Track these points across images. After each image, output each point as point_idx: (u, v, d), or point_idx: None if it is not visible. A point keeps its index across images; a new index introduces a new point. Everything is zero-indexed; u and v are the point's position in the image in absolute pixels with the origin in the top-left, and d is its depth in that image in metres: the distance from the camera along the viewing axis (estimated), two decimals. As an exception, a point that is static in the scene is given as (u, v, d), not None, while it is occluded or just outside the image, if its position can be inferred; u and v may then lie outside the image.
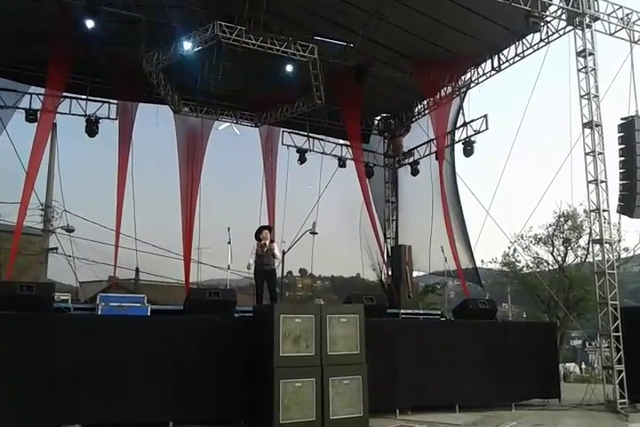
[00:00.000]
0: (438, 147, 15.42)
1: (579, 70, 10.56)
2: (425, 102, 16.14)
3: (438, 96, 15.16)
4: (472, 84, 14.62)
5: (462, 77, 14.70)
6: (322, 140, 16.29)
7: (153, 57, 11.61)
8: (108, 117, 13.73)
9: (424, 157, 16.33)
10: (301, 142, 15.92)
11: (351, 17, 12.38)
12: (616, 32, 11.36)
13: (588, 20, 10.74)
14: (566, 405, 9.29)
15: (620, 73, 11.01)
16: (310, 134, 16.02)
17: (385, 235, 16.91)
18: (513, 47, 13.25)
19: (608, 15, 11.23)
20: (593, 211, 10.17)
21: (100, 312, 8.09)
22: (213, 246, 13.11)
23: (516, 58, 13.29)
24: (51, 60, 11.84)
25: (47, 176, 14.60)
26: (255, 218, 13.97)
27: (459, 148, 15.18)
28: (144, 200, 13.43)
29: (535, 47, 12.73)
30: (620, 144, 10.50)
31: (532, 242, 22.42)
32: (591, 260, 11.75)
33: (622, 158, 10.41)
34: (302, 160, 15.76)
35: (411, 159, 16.76)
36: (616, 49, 11.69)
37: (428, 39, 12.96)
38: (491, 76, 14.12)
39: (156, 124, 13.82)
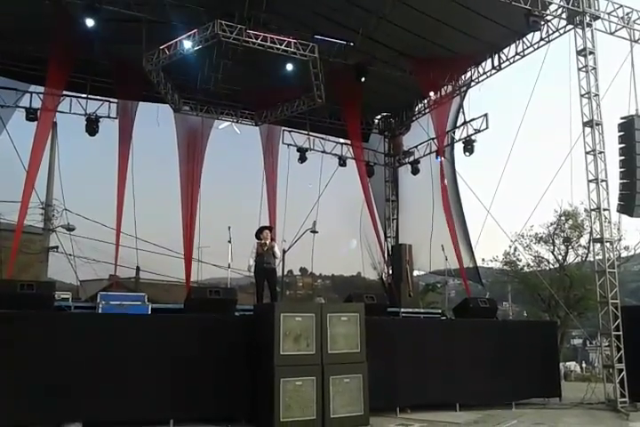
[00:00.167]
0: (439, 146, 15.42)
1: (579, 69, 10.55)
2: (425, 101, 16.14)
3: (438, 95, 15.17)
4: (472, 84, 14.62)
5: (462, 76, 14.70)
6: (322, 139, 16.29)
7: (153, 56, 11.60)
8: (109, 116, 13.74)
9: (424, 156, 16.33)
10: (302, 141, 15.93)
11: (351, 16, 12.37)
12: (616, 31, 11.35)
13: (588, 18, 10.73)
14: (567, 404, 9.30)
15: (621, 72, 11.02)
16: (311, 133, 16.02)
17: (385, 234, 16.92)
18: (513, 46, 13.24)
19: (608, 14, 11.22)
20: (593, 210, 10.16)
21: (100, 311, 8.11)
22: (214, 245, 13.12)
23: (517, 57, 13.28)
24: (51, 59, 11.84)
25: (47, 175, 14.60)
26: (255, 217, 13.99)
27: (459, 147, 15.21)
28: (144, 199, 13.43)
29: (535, 46, 12.72)
30: (620, 143, 10.50)
31: (532, 241, 22.40)
32: (592, 259, 11.75)
33: (622, 157, 10.40)
34: (303, 159, 15.76)
35: (411, 158, 16.77)
36: (616, 48, 11.69)
37: (428, 38, 12.95)
38: (491, 75, 14.11)
39: (157, 123, 13.84)
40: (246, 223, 11.83)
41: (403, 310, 10.75)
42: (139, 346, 6.97)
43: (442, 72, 14.12)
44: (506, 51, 13.47)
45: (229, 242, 10.28)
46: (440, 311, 11.69)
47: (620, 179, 10.38)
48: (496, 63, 13.80)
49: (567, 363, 24.77)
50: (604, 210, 10.01)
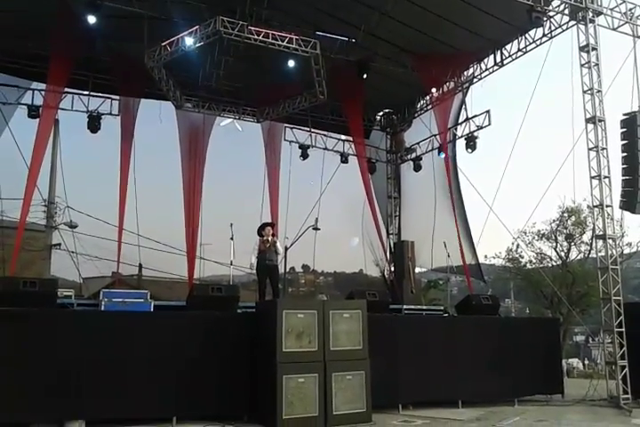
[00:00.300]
0: (442, 142, 15.38)
1: (582, 65, 10.51)
2: (427, 98, 16.11)
3: (441, 91, 15.13)
4: (474, 80, 14.58)
5: (465, 73, 14.66)
6: (324, 135, 16.27)
7: (155, 52, 11.58)
8: (110, 113, 13.73)
9: (426, 152, 16.31)
10: (303, 138, 15.92)
11: (353, 12, 12.34)
12: (619, 27, 11.30)
13: (590, 14, 10.67)
14: (569, 400, 9.29)
15: (623, 68, 10.97)
16: (312, 130, 16.00)
17: (387, 231, 16.91)
18: (515, 42, 13.21)
19: (611, 10, 11.17)
20: (596, 206, 10.14)
21: (103, 308, 8.12)
22: (216, 242, 13.12)
23: (519, 53, 13.25)
24: (52, 56, 11.83)
25: (50, 172, 14.61)
26: (257, 214, 13.98)
27: (461, 143, 15.18)
28: (146, 196, 13.44)
29: (538, 42, 12.68)
30: (622, 140, 10.46)
31: (535, 238, 22.39)
32: (594, 255, 11.72)
33: (624, 154, 10.36)
34: (304, 156, 15.75)
35: (413, 155, 16.73)
36: (619, 44, 11.64)
37: (430, 34, 12.92)
38: (493, 71, 14.08)
39: (159, 120, 13.82)
40: (248, 220, 11.82)
41: (405, 306, 10.74)
42: (141, 343, 6.97)
43: (444, 68, 14.08)
44: (508, 47, 13.44)
45: (231, 239, 10.28)
46: (442, 308, 11.68)
47: (623, 175, 10.34)
48: (498, 59, 13.77)
49: (570, 360, 24.81)
50: (607, 206, 9.97)
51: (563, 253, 22.23)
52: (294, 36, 11.46)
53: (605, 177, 10.03)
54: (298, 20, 12.52)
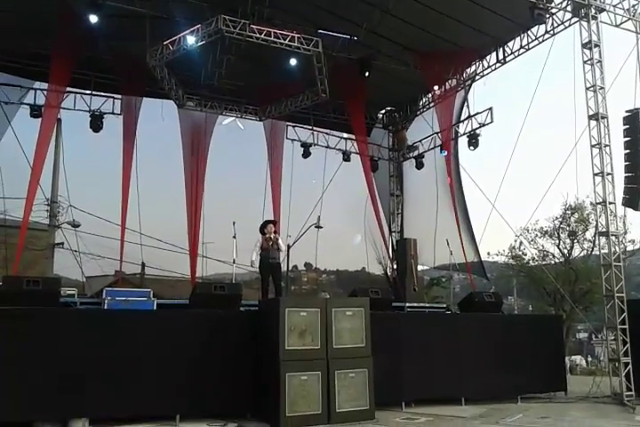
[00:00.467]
0: (444, 140, 15.37)
1: (584, 62, 10.48)
2: (429, 95, 16.09)
3: (443, 89, 15.11)
4: (477, 77, 14.56)
5: (467, 70, 14.64)
6: (326, 133, 16.26)
7: (157, 51, 11.59)
8: (113, 112, 13.75)
9: (429, 150, 16.29)
10: (305, 136, 15.92)
11: (354, 10, 12.32)
12: (622, 23, 11.26)
13: (593, 11, 10.64)
14: (572, 397, 9.29)
15: (626, 65, 10.95)
16: (314, 128, 16.00)
17: (390, 228, 16.91)
18: (518, 39, 13.18)
19: (614, 6, 11.14)
20: (599, 203, 10.12)
21: (106, 307, 8.15)
22: (218, 241, 13.14)
23: (521, 50, 13.23)
24: (54, 56, 11.84)
25: (52, 171, 14.64)
26: (260, 212, 13.98)
27: (463, 141, 15.15)
28: (149, 195, 13.47)
29: (540, 39, 12.66)
30: (624, 137, 10.44)
31: (537, 235, 22.34)
32: (597, 252, 11.70)
33: (627, 151, 10.35)
34: (307, 154, 15.75)
35: (415, 153, 16.73)
36: (622, 40, 11.61)
37: (432, 32, 12.90)
38: (495, 68, 14.07)
39: (162, 118, 13.84)
40: (251, 219, 11.82)
41: (407, 304, 10.74)
42: (144, 342, 6.99)
43: (446, 66, 14.07)
44: (510, 44, 13.42)
45: (234, 237, 10.30)
46: (445, 306, 11.68)
47: (625, 172, 10.33)
48: (501, 57, 13.75)
49: (573, 357, 24.72)
50: (610, 203, 9.96)
51: (566, 251, 22.18)
52: (296, 35, 11.45)
53: (608, 174, 10.01)
54: (299, 18, 12.51)
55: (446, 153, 15.15)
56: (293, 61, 12.22)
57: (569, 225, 22.05)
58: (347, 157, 16.20)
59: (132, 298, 8.38)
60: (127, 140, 13.51)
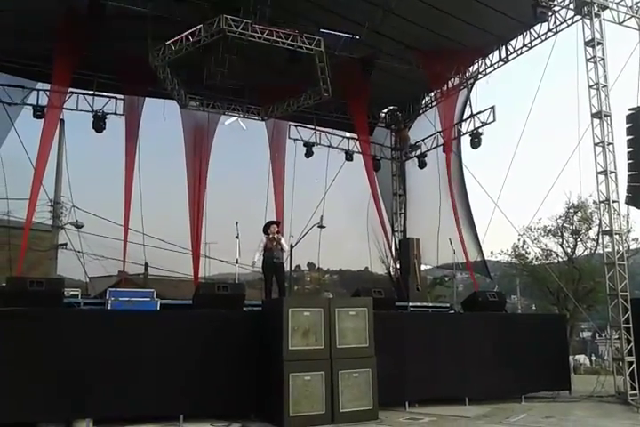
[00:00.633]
0: (445, 139, 15.34)
1: (587, 60, 10.45)
2: (432, 94, 16.06)
3: (445, 88, 15.08)
4: (479, 76, 14.53)
5: (469, 69, 14.60)
6: (329, 133, 16.25)
7: (159, 51, 11.58)
8: (115, 113, 13.75)
9: (431, 149, 16.26)
10: (308, 136, 15.90)
11: (357, 9, 12.29)
12: (625, 21, 11.23)
13: (596, 8, 10.60)
14: (577, 397, 9.28)
15: (629, 62, 10.90)
16: (317, 128, 15.98)
17: (393, 228, 16.89)
18: (520, 38, 13.14)
19: (617, 4, 11.11)
20: (602, 202, 10.09)
21: (109, 307, 8.17)
22: (221, 241, 13.14)
23: (524, 48, 13.18)
24: (56, 56, 11.84)
25: (55, 172, 14.65)
26: (262, 212, 13.97)
27: (466, 140, 15.12)
28: (151, 195, 13.48)
29: (543, 37, 12.62)
30: (627, 135, 10.41)
31: (541, 234, 22.31)
32: (601, 251, 11.67)
33: (630, 149, 10.32)
34: (309, 154, 15.73)
35: (418, 152, 16.70)
36: (625, 38, 11.58)
37: (434, 31, 12.87)
38: (498, 67, 14.02)
39: (164, 118, 13.83)
40: (253, 219, 11.83)
41: (411, 304, 10.75)
42: (148, 342, 7.00)
43: (449, 65, 14.03)
44: (513, 42, 13.38)
45: (237, 237, 10.30)
46: (448, 305, 11.67)
47: (628, 171, 10.30)
48: (503, 55, 13.71)
49: (576, 356, 24.68)
50: (614, 202, 9.92)
51: (569, 250, 22.15)
52: (298, 34, 11.44)
53: (612, 172, 9.98)
54: (301, 17, 12.48)
55: (447, 154, 15.09)
56: (295, 61, 12.19)
57: (572, 224, 22.01)
58: (349, 156, 16.17)
59: (135, 298, 8.40)
60: (130, 140, 13.51)
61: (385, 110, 17.57)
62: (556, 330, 9.98)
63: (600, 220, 10.89)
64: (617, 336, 9.61)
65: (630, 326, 9.36)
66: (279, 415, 6.66)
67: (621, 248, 10.00)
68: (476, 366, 8.67)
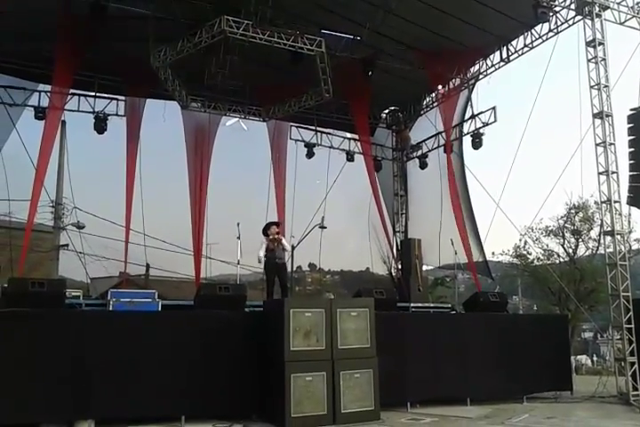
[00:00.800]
0: (447, 139, 15.34)
1: (588, 60, 10.44)
2: (433, 95, 16.06)
3: (446, 88, 15.08)
4: (480, 76, 14.52)
5: (470, 69, 14.59)
6: (330, 134, 16.25)
7: (160, 52, 11.60)
8: (117, 114, 13.77)
9: (432, 149, 16.26)
10: (309, 137, 15.91)
11: (358, 10, 12.30)
12: (626, 21, 11.22)
13: (597, 9, 10.60)
14: (578, 397, 9.27)
15: (630, 62, 10.90)
16: (318, 128, 15.99)
17: (394, 228, 16.88)
18: (522, 38, 13.12)
19: (618, 4, 11.10)
20: (604, 202, 10.08)
21: (111, 308, 8.17)
22: (222, 242, 13.13)
23: (525, 49, 13.16)
24: (57, 58, 11.85)
25: (57, 173, 14.67)
26: (264, 213, 13.98)
27: (467, 140, 15.11)
28: (153, 196, 13.49)
29: (544, 38, 12.60)
30: (629, 135, 10.40)
31: (542, 234, 22.31)
32: (602, 251, 11.67)
33: (632, 149, 10.32)
34: (310, 155, 15.73)
35: (419, 152, 16.70)
36: (626, 38, 11.57)
37: (435, 31, 12.87)
38: (499, 67, 14.00)
39: (163, 119, 13.84)
40: (255, 219, 11.82)
41: (412, 304, 10.76)
42: (149, 343, 7.00)
43: (450, 65, 14.02)
44: (514, 43, 13.36)
45: (238, 238, 10.30)
46: (450, 306, 11.67)
47: (630, 171, 10.29)
48: (504, 55, 13.69)
49: (578, 356, 24.68)
50: (615, 202, 9.91)
51: (570, 250, 22.14)
52: (299, 35, 11.44)
53: (613, 172, 9.96)
54: (302, 18, 12.49)
55: (448, 155, 15.09)
56: (296, 62, 12.20)
57: (573, 224, 22.00)
58: (350, 157, 16.17)
59: (136, 299, 8.41)
60: (131, 141, 13.53)
61: (386, 111, 17.57)
62: (558, 330, 9.98)
63: (601, 220, 10.90)
64: (619, 337, 9.61)
65: (632, 326, 9.36)
66: (281, 416, 6.66)
67: (623, 248, 10.00)
68: (478, 367, 8.66)
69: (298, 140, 15.73)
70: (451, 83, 14.93)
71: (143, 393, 6.79)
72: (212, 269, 14.33)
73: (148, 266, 15.38)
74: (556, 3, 11.49)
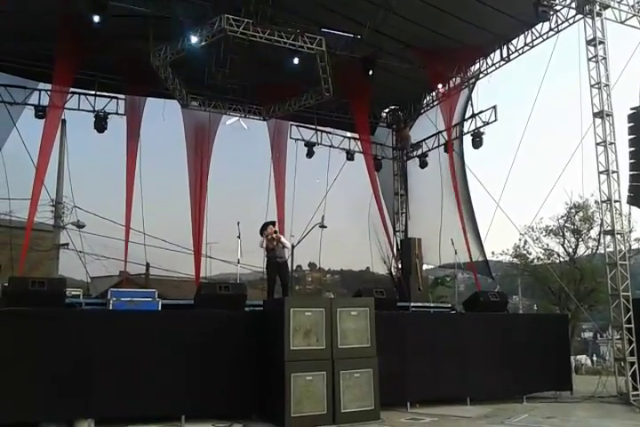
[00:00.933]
0: (447, 139, 15.33)
1: (589, 59, 10.43)
2: (433, 94, 16.04)
3: (447, 87, 15.06)
4: (481, 75, 14.51)
5: (471, 68, 14.58)
6: (330, 133, 16.24)
7: (161, 51, 11.59)
8: (117, 113, 13.77)
9: (432, 149, 16.25)
10: (309, 136, 15.90)
11: (358, 9, 12.28)
12: (627, 20, 11.20)
13: (598, 7, 10.58)
14: (578, 397, 9.26)
15: (631, 61, 10.89)
16: (318, 127, 15.98)
17: (394, 228, 16.88)
18: (522, 37, 13.11)
19: (618, 3, 11.08)
20: (604, 202, 10.07)
21: (111, 307, 8.15)
22: (222, 241, 13.14)
23: (526, 48, 13.16)
24: (58, 57, 11.85)
25: (57, 172, 14.66)
26: (264, 212, 13.98)
27: (467, 139, 15.10)
28: (153, 195, 13.48)
29: (545, 36, 12.59)
30: (629, 134, 10.39)
31: (542, 233, 22.30)
32: (602, 251, 11.66)
33: (632, 149, 10.31)
34: (310, 154, 15.73)
35: (419, 151, 16.69)
36: (627, 37, 11.55)
37: (435, 30, 12.85)
38: (500, 66, 13.99)
39: (163, 118, 13.83)
40: (255, 219, 11.81)
41: (412, 304, 10.73)
42: (149, 342, 7.00)
43: (450, 64, 14.01)
44: (515, 42, 13.35)
45: (238, 237, 10.29)
46: (450, 305, 11.66)
47: (630, 170, 10.29)
48: (505, 54, 13.68)
49: (578, 356, 24.68)
50: (616, 202, 9.90)
51: (570, 249, 22.13)
52: (299, 34, 11.43)
53: (614, 172, 9.95)
54: (302, 17, 12.48)
55: (450, 153, 15.08)
56: (297, 60, 12.19)
57: (573, 224, 21.99)
58: (350, 156, 16.17)
59: (136, 298, 8.39)
60: (131, 140, 13.52)
61: (386, 110, 17.57)
62: (558, 330, 9.98)
63: (602, 219, 10.89)
64: (618, 336, 9.61)
65: (632, 326, 9.35)
66: (281, 416, 6.66)
67: (623, 248, 9.99)
68: (478, 367, 8.66)
69: (298, 139, 15.73)
70: (451, 82, 14.92)
71: (143, 392, 6.79)
72: (212, 269, 14.36)
73: (148, 265, 15.38)
74: (557, 1, 11.47)
